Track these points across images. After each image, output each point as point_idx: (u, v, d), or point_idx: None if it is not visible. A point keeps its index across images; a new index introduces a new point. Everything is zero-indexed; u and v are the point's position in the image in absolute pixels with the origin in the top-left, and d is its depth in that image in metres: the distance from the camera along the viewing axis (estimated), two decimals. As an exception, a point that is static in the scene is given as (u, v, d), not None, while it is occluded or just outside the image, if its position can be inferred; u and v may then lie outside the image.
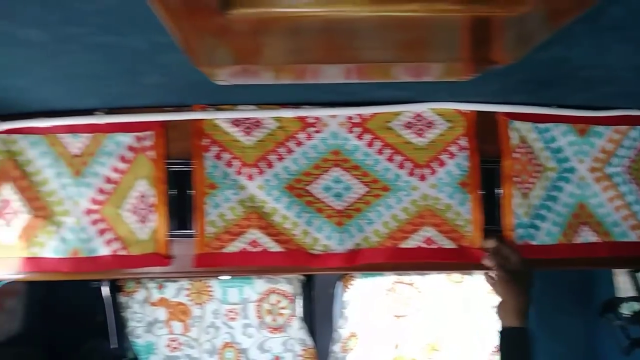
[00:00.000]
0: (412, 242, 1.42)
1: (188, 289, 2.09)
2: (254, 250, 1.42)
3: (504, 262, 1.35)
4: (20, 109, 1.34)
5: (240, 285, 2.10)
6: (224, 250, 1.41)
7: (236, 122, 1.41)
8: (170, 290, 2.08)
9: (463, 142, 1.41)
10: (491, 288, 1.39)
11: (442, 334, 2.18)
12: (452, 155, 1.42)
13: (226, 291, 2.10)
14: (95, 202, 1.41)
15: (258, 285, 2.10)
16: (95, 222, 1.41)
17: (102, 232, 1.41)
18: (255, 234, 1.42)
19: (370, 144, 1.42)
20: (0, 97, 1.23)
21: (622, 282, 1.81)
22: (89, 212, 1.41)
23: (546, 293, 1.98)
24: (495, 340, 1.35)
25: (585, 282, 2.12)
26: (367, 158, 1.43)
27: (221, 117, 1.40)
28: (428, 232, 1.42)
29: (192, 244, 1.42)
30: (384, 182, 1.43)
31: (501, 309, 1.32)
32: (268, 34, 0.84)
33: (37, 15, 0.76)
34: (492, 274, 1.39)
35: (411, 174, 1.42)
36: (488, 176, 1.42)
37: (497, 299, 1.36)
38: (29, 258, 1.39)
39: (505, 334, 1.31)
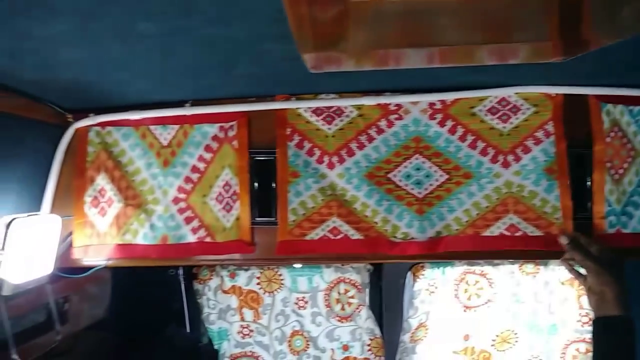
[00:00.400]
0: (495, 229, 1.40)
1: (259, 278, 2.13)
2: (335, 237, 1.43)
3: (586, 253, 1.30)
4: (114, 102, 1.40)
5: (309, 274, 2.13)
6: (306, 238, 1.44)
7: (318, 111, 1.43)
8: (242, 279, 2.13)
9: (549, 127, 1.38)
10: (579, 281, 1.35)
11: (514, 326, 2.14)
12: (537, 141, 1.38)
13: (296, 280, 2.13)
14: (182, 191, 1.46)
15: (327, 275, 2.11)
16: (182, 211, 1.47)
17: (188, 220, 1.47)
18: (335, 222, 1.43)
19: (452, 131, 1.41)
20: (99, 91, 1.29)
21: None
22: (177, 200, 1.47)
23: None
24: (590, 331, 1.32)
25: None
26: (449, 145, 1.41)
27: (303, 107, 1.42)
28: (512, 219, 1.40)
29: (274, 232, 1.45)
30: (466, 169, 1.41)
31: (597, 300, 1.28)
32: (355, 19, 0.85)
33: (155, 7, 0.79)
34: (578, 267, 1.35)
35: (494, 160, 1.40)
36: (577, 162, 1.38)
37: (587, 291, 1.31)
38: (121, 245, 1.47)
39: (602, 322, 1.27)
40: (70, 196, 1.47)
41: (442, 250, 1.41)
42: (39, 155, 1.39)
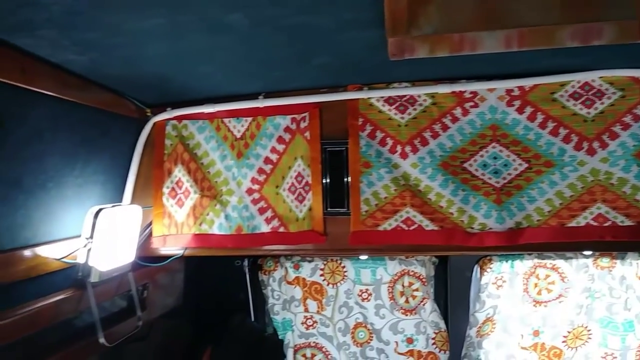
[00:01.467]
0: (582, 220, 1.35)
1: (322, 269, 2.14)
2: (409, 228, 1.42)
3: None
4: (190, 96, 1.44)
5: (373, 267, 2.12)
6: (379, 228, 1.43)
7: (390, 101, 1.42)
8: (306, 270, 2.15)
9: (638, 111, 1.31)
10: None
11: (587, 322, 2.07)
12: (626, 126, 1.32)
13: (359, 272, 2.13)
14: (255, 182, 1.49)
15: (391, 267, 2.10)
16: (256, 201, 1.49)
17: (262, 210, 1.49)
18: (409, 212, 1.42)
19: (532, 117, 1.37)
20: (177, 85, 1.32)
21: None
22: (250, 191, 1.49)
23: None
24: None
25: None
26: (528, 132, 1.37)
27: (376, 96, 1.41)
28: (600, 208, 1.34)
29: (346, 222, 1.45)
30: (547, 157, 1.36)
31: None
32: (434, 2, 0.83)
33: None
34: None
35: (578, 148, 1.35)
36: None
37: None
38: (197, 234, 1.50)
39: None
40: (149, 188, 1.52)
41: (523, 242, 1.37)
42: (121, 148, 1.44)
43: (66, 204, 1.23)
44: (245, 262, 2.18)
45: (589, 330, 2.05)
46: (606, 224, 1.33)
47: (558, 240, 1.36)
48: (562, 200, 1.35)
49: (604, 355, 2.04)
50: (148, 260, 1.53)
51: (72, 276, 1.27)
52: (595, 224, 1.34)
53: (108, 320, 1.37)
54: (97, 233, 1.27)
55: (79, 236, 1.28)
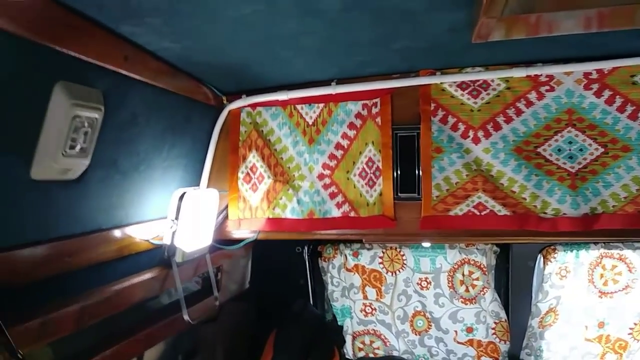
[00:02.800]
0: None
1: (381, 257, 2.16)
2: (480, 213, 1.43)
3: None
4: (264, 84, 1.49)
5: (432, 255, 2.13)
6: (450, 213, 1.45)
7: (463, 85, 1.43)
8: (365, 258, 2.18)
9: None
10: None
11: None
12: None
13: (418, 260, 2.14)
14: (326, 167, 1.52)
15: (451, 256, 2.10)
16: (327, 186, 1.53)
17: (333, 195, 1.52)
18: (481, 197, 1.43)
19: (610, 101, 1.35)
20: (255, 72, 1.37)
21: None
22: (322, 176, 1.53)
23: None
24: None
25: None
26: (605, 116, 1.36)
27: (448, 81, 1.42)
28: None
29: (417, 207, 1.47)
30: (624, 142, 1.35)
31: None
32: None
33: None
34: None
35: None
36: None
37: None
38: (271, 218, 1.56)
39: None
40: (225, 173, 1.58)
41: (598, 228, 1.36)
42: (200, 134, 1.51)
43: (154, 186, 1.30)
44: (306, 250, 2.22)
45: (656, 323, 2.01)
46: None
47: (634, 227, 1.34)
48: (639, 186, 1.34)
49: (672, 346, 2.00)
50: (223, 243, 1.59)
51: (158, 256, 1.34)
52: None
53: (189, 300, 1.43)
54: (181, 215, 1.33)
55: (164, 218, 1.35)
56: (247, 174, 1.57)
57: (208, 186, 1.53)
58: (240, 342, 1.97)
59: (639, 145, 1.34)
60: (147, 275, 1.28)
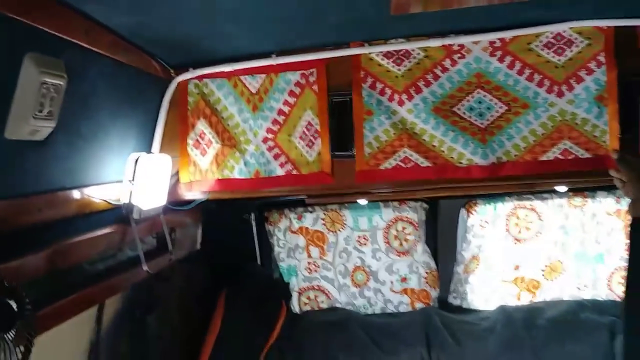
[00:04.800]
0: (551, 154, 1.56)
1: (323, 219, 2.34)
2: (406, 166, 1.62)
3: (630, 166, 1.44)
4: (210, 57, 1.60)
5: (370, 214, 2.33)
6: (380, 167, 1.63)
7: (388, 55, 1.60)
8: (309, 220, 2.35)
9: (601, 57, 1.51)
10: (623, 191, 1.47)
11: (562, 256, 2.29)
12: (590, 71, 1.52)
13: (357, 219, 2.33)
14: (270, 131, 1.67)
15: (386, 214, 2.31)
16: (271, 148, 1.68)
17: (277, 156, 1.67)
18: (406, 152, 1.62)
19: (511, 66, 1.56)
20: (202, 46, 1.49)
21: None
22: (266, 140, 1.68)
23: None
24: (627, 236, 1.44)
25: None
26: (508, 79, 1.57)
27: (375, 51, 1.59)
28: (566, 144, 1.55)
29: (352, 164, 1.64)
30: (523, 100, 1.56)
31: (632, 206, 1.41)
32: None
33: None
34: (622, 178, 1.47)
35: (550, 91, 1.55)
36: (628, 89, 1.50)
37: (629, 198, 1.44)
38: (220, 179, 1.69)
39: (634, 224, 1.40)
40: (176, 140, 1.69)
41: (504, 174, 1.57)
42: (153, 104, 1.62)
43: (111, 151, 1.41)
44: (253, 216, 2.37)
45: (563, 264, 2.28)
46: (570, 157, 1.54)
47: (533, 172, 1.57)
48: (536, 138, 1.56)
49: (577, 285, 2.28)
50: (176, 205, 1.71)
51: (117, 215, 1.45)
52: (562, 157, 1.55)
53: (146, 255, 1.55)
54: (137, 176, 1.45)
55: (121, 181, 1.46)
56: (197, 140, 1.70)
57: (160, 152, 1.64)
58: (193, 301, 2.11)
59: (536, 102, 1.56)
60: (108, 230, 1.40)
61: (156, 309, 1.82)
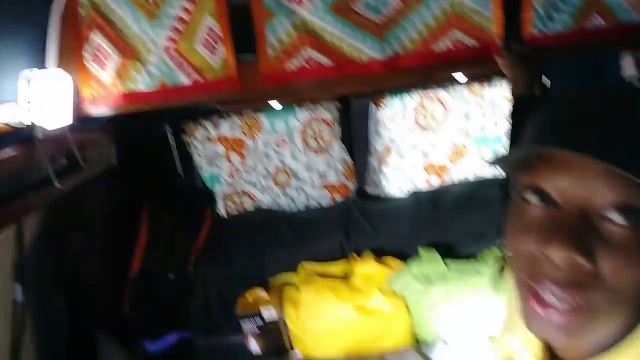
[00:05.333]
0: (443, 44, 1.65)
1: (240, 125, 2.38)
2: (310, 65, 1.67)
3: (513, 52, 1.56)
4: None
5: (285, 116, 2.39)
6: (285, 68, 1.67)
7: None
8: (226, 128, 2.38)
9: None
10: (507, 73, 1.61)
11: (465, 141, 2.48)
12: None
13: (273, 123, 2.39)
14: (171, 39, 1.64)
15: (301, 115, 2.38)
16: (173, 57, 1.66)
17: (180, 65, 1.66)
18: (309, 52, 1.66)
19: None
20: None
21: (627, 64, 2.05)
22: (167, 49, 1.65)
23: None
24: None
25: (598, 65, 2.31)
26: None
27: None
28: (456, 34, 1.64)
29: (258, 67, 1.67)
30: None
31: (515, 85, 1.55)
32: None
33: None
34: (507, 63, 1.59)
35: None
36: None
37: (511, 80, 1.58)
38: (125, 93, 1.67)
39: (516, 102, 1.55)
40: (72, 55, 1.63)
41: (401, 67, 1.66)
42: (42, 19, 1.52)
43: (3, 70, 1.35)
44: (168, 127, 2.37)
45: (467, 147, 2.47)
46: (461, 47, 1.64)
47: (428, 63, 1.66)
48: (429, 30, 1.63)
49: (480, 166, 2.49)
50: (82, 122, 1.69)
51: (20, 136, 1.43)
52: (453, 47, 1.64)
53: (58, 173, 1.56)
54: (33, 95, 1.41)
55: (15, 101, 1.42)
56: (94, 53, 1.64)
57: (58, 68, 1.58)
58: (116, 215, 2.14)
59: None
60: (11, 152, 1.38)
61: (79, 226, 1.85)
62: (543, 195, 0.55)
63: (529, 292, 0.56)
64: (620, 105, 0.54)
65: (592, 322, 0.54)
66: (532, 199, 0.56)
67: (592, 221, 0.52)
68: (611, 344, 0.58)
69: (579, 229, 0.51)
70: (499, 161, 0.59)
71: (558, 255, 0.52)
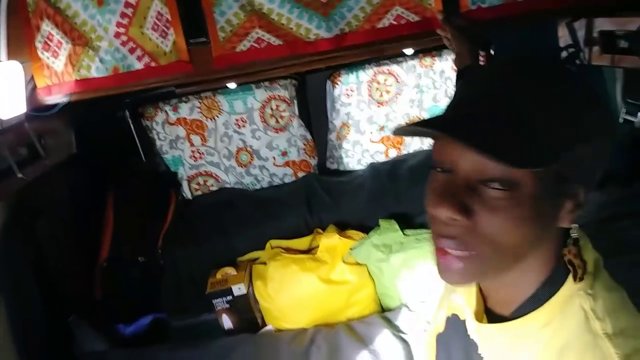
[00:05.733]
0: (386, 21, 1.71)
1: (199, 107, 2.42)
2: (260, 46, 1.71)
3: (453, 24, 1.65)
4: None
5: (243, 97, 2.44)
6: (236, 50, 1.71)
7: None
8: (185, 110, 2.42)
9: None
10: (449, 46, 1.70)
11: (419, 112, 2.58)
12: None
13: (232, 103, 2.44)
14: (120, 25, 1.67)
15: (259, 94, 2.43)
16: (125, 43, 1.69)
17: (132, 50, 1.69)
18: (258, 33, 1.70)
19: None
20: None
21: (562, 34, 2.17)
22: (118, 35, 1.68)
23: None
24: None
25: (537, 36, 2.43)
26: None
27: None
28: (397, 10, 1.71)
29: (209, 50, 1.71)
30: None
31: (456, 59, 1.65)
32: None
33: None
34: (448, 36, 1.68)
35: None
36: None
37: (454, 53, 1.67)
38: (79, 80, 1.69)
39: (459, 73, 1.64)
40: (23, 45, 1.64)
41: (348, 44, 1.72)
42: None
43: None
44: (127, 113, 2.39)
45: (421, 118, 2.56)
46: (403, 22, 1.71)
47: (373, 39, 1.72)
48: (372, 7, 1.69)
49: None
50: (38, 111, 1.71)
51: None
52: (395, 23, 1.71)
53: (19, 163, 1.59)
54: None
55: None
56: (45, 42, 1.66)
57: (9, 59, 1.60)
58: (80, 201, 2.17)
59: None
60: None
61: (44, 213, 1.88)
62: (443, 164, 0.67)
63: (435, 246, 0.68)
64: (502, 88, 0.63)
65: (487, 269, 0.66)
66: (437, 167, 0.67)
67: (476, 187, 0.63)
68: (531, 303, 0.69)
69: (460, 193, 0.64)
70: (396, 132, 0.69)
71: (442, 215, 0.64)
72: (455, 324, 0.86)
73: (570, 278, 0.67)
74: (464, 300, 0.85)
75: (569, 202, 0.63)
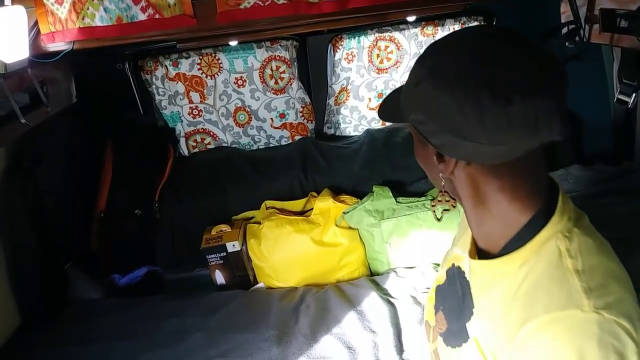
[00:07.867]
0: None
1: (199, 64, 2.41)
2: (264, 4, 1.72)
3: None
4: None
5: (244, 56, 2.43)
6: (240, 7, 1.71)
7: None
8: (185, 66, 2.42)
9: None
10: None
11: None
12: None
13: (232, 62, 2.44)
14: (126, -25, 1.66)
15: (259, 54, 2.43)
16: (129, -7, 1.68)
17: (137, 1, 1.69)
18: (263, -10, 1.70)
19: None
20: None
21: (565, 9, 2.18)
22: (123, -16, 1.67)
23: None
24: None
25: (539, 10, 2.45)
26: None
27: None
28: None
29: (213, 5, 1.71)
30: None
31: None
32: None
33: None
34: None
35: None
36: None
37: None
38: (82, 28, 1.69)
39: None
40: (27, -10, 1.63)
41: (351, 7, 1.73)
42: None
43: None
44: (127, 65, 2.38)
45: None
46: None
47: (379, 2, 1.73)
48: None
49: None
50: (41, 58, 1.71)
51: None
52: None
53: (22, 109, 1.60)
54: (-9, 28, 1.43)
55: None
56: (51, -10, 1.65)
57: (13, 3, 1.59)
58: (80, 150, 2.19)
59: None
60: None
61: (44, 161, 1.90)
62: None
63: None
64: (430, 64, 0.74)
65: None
66: None
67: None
68: (514, 243, 0.75)
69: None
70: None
71: None
72: (453, 272, 0.96)
73: (551, 221, 0.73)
74: (460, 249, 0.91)
75: (431, 149, 0.77)
